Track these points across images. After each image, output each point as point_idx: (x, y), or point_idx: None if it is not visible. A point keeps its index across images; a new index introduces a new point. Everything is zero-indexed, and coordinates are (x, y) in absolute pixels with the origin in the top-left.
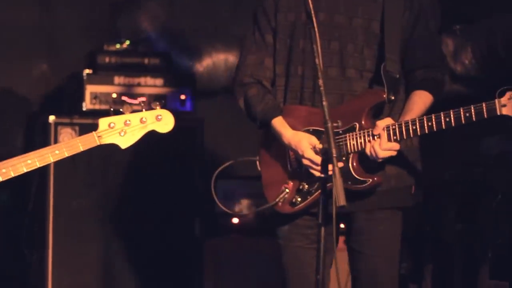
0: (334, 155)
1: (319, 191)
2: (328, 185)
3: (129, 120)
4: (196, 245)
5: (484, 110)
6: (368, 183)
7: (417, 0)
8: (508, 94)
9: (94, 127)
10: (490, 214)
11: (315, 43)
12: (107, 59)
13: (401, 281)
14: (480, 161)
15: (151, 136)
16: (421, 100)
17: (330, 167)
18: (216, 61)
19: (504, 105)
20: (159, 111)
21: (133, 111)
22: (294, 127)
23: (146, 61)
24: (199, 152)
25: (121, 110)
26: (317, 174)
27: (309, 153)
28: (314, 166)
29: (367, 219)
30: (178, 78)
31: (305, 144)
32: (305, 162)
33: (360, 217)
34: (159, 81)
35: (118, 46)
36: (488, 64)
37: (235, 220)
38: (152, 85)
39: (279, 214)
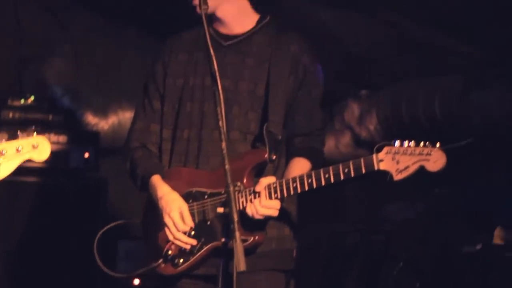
0: (235, 220)
1: (202, 251)
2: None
3: (5, 150)
4: None
5: (362, 165)
6: (250, 241)
7: (302, 67)
8: (385, 149)
9: None
10: (391, 281)
11: (218, 105)
12: (11, 114)
13: None
14: (382, 227)
15: (55, 195)
16: (299, 167)
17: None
18: (122, 119)
19: (381, 160)
20: (35, 138)
21: (9, 139)
22: (177, 189)
23: (50, 117)
24: (102, 212)
25: None
26: (170, 237)
27: (175, 215)
28: (172, 228)
29: (248, 280)
30: (82, 136)
31: (175, 205)
32: (166, 220)
33: (240, 279)
34: (62, 138)
35: (22, 101)
36: (393, 130)
37: (136, 282)
38: (55, 142)
39: (162, 277)
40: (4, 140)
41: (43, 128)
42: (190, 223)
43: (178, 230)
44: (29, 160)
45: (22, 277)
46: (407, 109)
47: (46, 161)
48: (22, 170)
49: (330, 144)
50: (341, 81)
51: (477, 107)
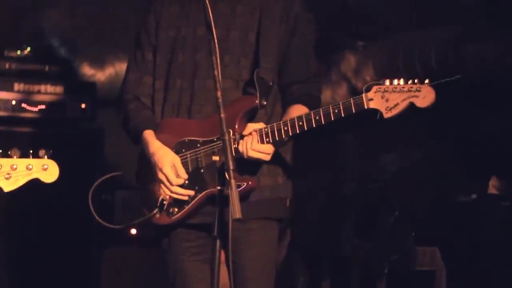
0: (231, 168)
1: (196, 199)
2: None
3: (16, 165)
4: (93, 256)
5: (352, 105)
6: (243, 186)
7: (293, 14)
8: (374, 88)
9: None
10: (387, 230)
11: (214, 54)
12: (7, 65)
13: None
14: (378, 176)
15: (51, 146)
16: (297, 112)
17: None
18: (119, 70)
19: (371, 99)
20: (45, 160)
21: (21, 156)
22: (170, 139)
23: (46, 68)
24: (98, 162)
25: (9, 153)
26: (166, 192)
27: (168, 170)
28: (166, 183)
29: (241, 229)
30: (79, 87)
31: (167, 160)
32: (160, 176)
33: (235, 227)
34: (59, 89)
35: (19, 52)
36: None
37: (133, 231)
38: (52, 92)
39: (158, 227)
40: (16, 156)
41: (39, 79)
42: (183, 175)
43: (173, 184)
44: (36, 179)
45: (16, 226)
46: (403, 60)
47: (42, 111)
48: (18, 120)
49: (326, 95)
50: (337, 32)
51: (471, 58)
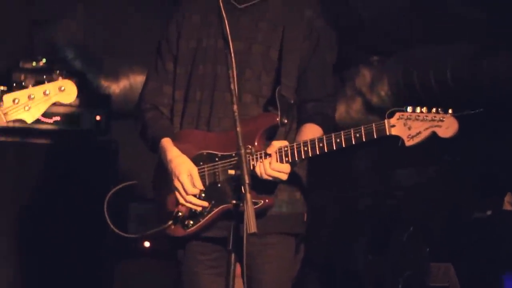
0: (247, 182)
1: (212, 213)
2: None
3: (33, 94)
4: (105, 268)
5: (374, 131)
6: (260, 204)
7: (316, 31)
8: (397, 115)
9: (10, 146)
10: (401, 246)
11: (230, 68)
12: (22, 77)
13: None
14: (393, 193)
15: (66, 158)
16: (310, 132)
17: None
18: (133, 82)
19: (393, 126)
20: (61, 82)
21: (36, 83)
22: (188, 151)
23: None
24: (113, 174)
25: (23, 84)
26: (181, 200)
27: (184, 178)
28: (181, 192)
29: (258, 243)
30: (93, 99)
31: (184, 168)
32: (176, 184)
33: (251, 242)
34: (74, 101)
35: (34, 64)
36: (404, 96)
37: (147, 244)
38: (67, 104)
39: (172, 239)
40: (31, 85)
41: None
42: (200, 185)
43: (188, 193)
44: (56, 103)
45: (31, 237)
46: (418, 75)
47: (57, 123)
48: (33, 132)
49: (341, 110)
50: (352, 47)
51: (488, 74)
